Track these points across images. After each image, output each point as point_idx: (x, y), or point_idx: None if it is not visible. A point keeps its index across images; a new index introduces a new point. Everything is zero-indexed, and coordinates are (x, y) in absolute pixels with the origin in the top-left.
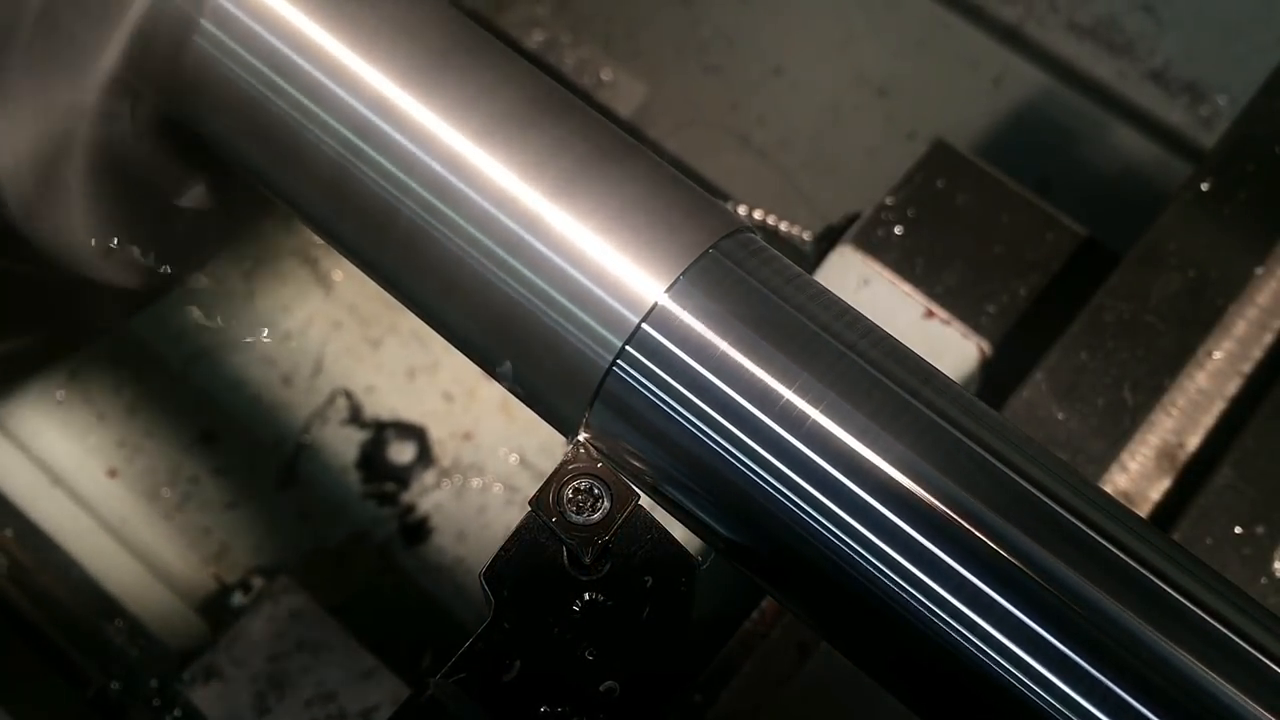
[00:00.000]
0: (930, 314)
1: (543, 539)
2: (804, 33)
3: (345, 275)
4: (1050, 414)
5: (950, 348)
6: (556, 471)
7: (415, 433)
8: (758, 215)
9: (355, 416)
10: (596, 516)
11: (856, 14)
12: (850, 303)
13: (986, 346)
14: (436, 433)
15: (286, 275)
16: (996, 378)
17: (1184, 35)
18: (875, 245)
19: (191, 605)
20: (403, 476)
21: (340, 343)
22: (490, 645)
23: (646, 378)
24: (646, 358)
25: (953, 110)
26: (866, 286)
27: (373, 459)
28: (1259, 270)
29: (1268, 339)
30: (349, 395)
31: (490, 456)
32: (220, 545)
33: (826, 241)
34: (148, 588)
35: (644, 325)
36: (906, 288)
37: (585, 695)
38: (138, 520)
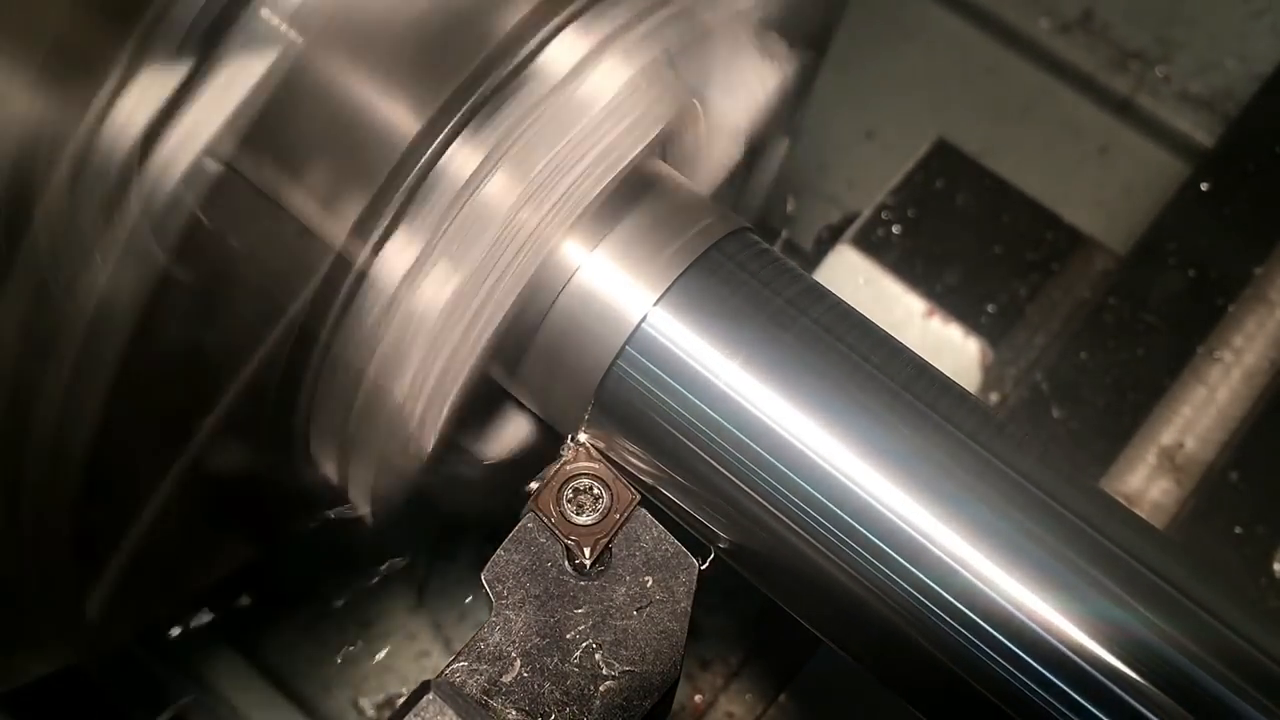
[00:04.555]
0: (930, 313)
1: (543, 539)
2: (898, 97)
3: None
4: (1050, 414)
5: (950, 347)
6: (557, 472)
7: None
8: None
9: (492, 532)
10: (596, 516)
11: (954, 80)
12: (850, 302)
13: (986, 346)
14: None
15: None
16: (996, 377)
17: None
18: (875, 245)
19: None
20: None
21: None
22: (490, 645)
23: (645, 378)
24: (645, 358)
25: (1054, 178)
26: (866, 286)
27: None
28: (1259, 270)
29: (1268, 338)
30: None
31: None
32: (359, 670)
33: (827, 241)
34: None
35: (643, 325)
36: (906, 287)
37: (585, 695)
38: (271, 641)
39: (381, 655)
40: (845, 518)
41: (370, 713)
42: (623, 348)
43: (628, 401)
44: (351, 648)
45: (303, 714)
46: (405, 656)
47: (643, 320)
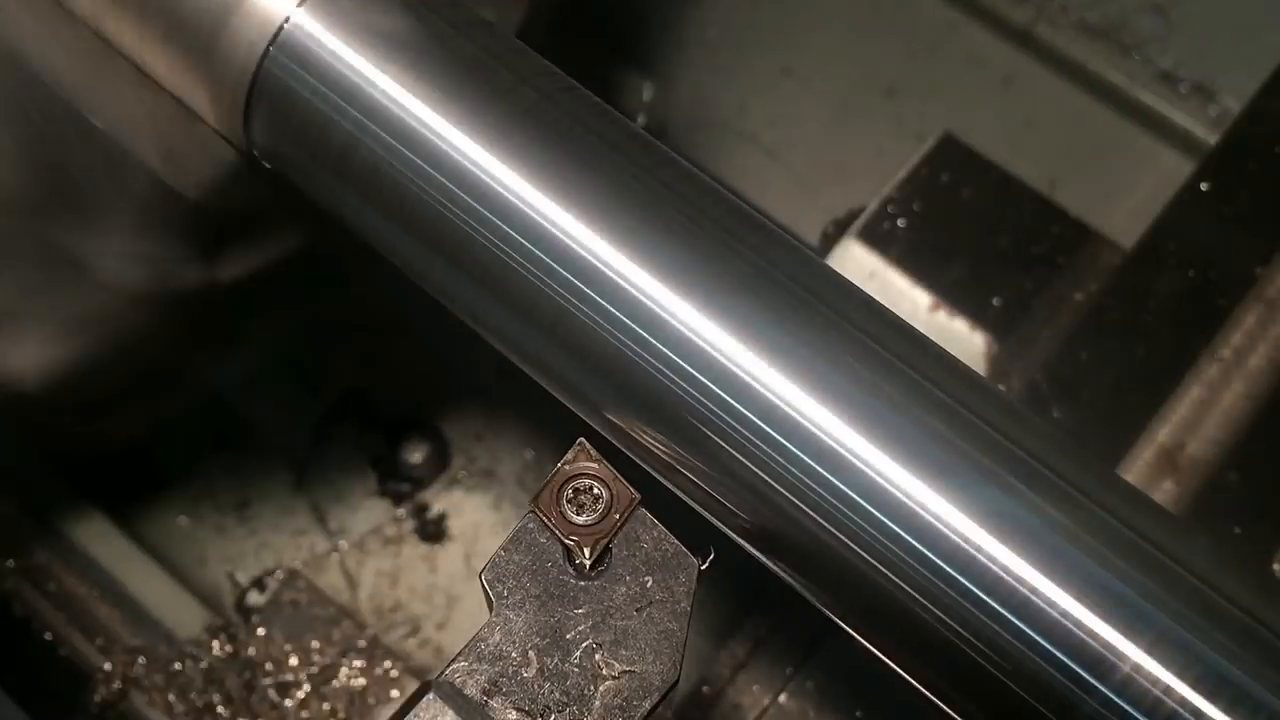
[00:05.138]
0: (936, 307)
1: (543, 539)
2: (813, 34)
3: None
4: (1050, 414)
5: (956, 341)
6: (557, 471)
7: (431, 433)
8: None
9: (370, 416)
10: (596, 516)
11: (867, 15)
12: None
13: (992, 339)
14: (451, 433)
15: None
16: (1002, 371)
17: (1194, 36)
18: (880, 239)
19: (205, 602)
20: (419, 476)
21: (354, 342)
22: (490, 645)
23: (296, 82)
24: (293, 61)
25: (961, 111)
26: (872, 280)
27: (387, 458)
28: (1260, 270)
29: (1268, 339)
30: (363, 395)
31: (506, 456)
32: (236, 546)
33: (833, 235)
34: (162, 586)
35: (286, 26)
36: (912, 281)
37: (585, 695)
38: (150, 519)
39: (259, 533)
40: (846, 489)
41: (245, 584)
42: (267, 49)
43: (284, 107)
44: (229, 524)
45: (177, 582)
46: (282, 534)
47: (285, 22)
